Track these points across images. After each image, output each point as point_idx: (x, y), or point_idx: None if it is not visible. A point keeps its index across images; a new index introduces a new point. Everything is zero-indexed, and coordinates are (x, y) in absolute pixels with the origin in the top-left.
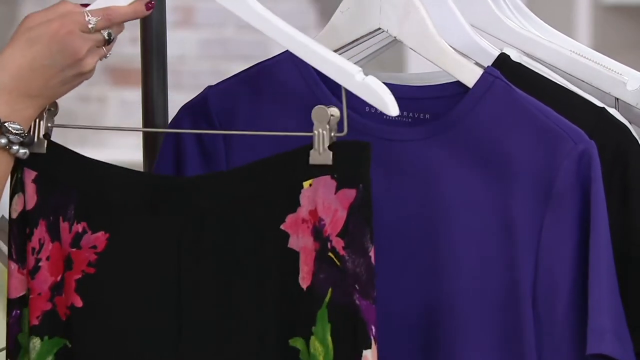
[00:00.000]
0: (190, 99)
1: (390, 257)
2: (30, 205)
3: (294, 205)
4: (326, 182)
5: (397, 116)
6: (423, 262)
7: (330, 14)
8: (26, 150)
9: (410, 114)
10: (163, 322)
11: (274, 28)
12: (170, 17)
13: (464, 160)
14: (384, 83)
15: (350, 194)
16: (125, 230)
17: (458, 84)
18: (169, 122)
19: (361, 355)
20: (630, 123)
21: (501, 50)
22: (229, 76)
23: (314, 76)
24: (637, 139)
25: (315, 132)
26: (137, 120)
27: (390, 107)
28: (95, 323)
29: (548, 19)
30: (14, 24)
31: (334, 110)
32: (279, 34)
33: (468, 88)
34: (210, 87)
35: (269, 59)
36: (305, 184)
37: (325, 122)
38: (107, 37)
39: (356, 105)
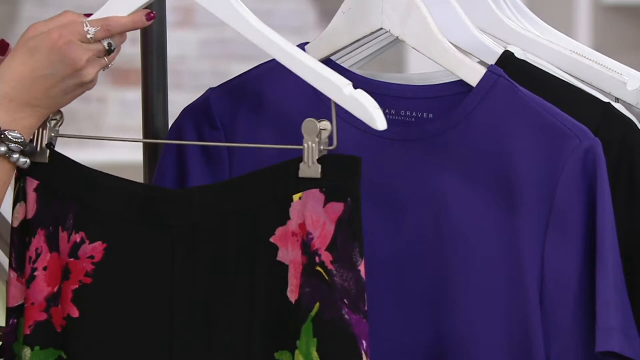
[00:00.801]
0: (190, 100)
1: (392, 257)
2: (31, 214)
3: (284, 218)
4: (315, 196)
5: (400, 116)
6: (426, 261)
7: (330, 14)
8: (27, 160)
9: (413, 114)
10: (156, 333)
11: (264, 39)
12: (170, 17)
13: (467, 159)
14: (386, 82)
15: (338, 207)
16: (121, 241)
17: (461, 83)
18: (171, 123)
19: None
20: None
21: (505, 48)
22: (229, 76)
23: None
24: None
25: (305, 144)
26: (137, 120)
27: (378, 122)
28: (90, 333)
29: (548, 19)
30: (14, 23)
31: (325, 124)
32: (269, 45)
33: (471, 87)
34: (212, 88)
35: (271, 60)
36: (295, 197)
37: (315, 134)
38: (107, 47)
39: None
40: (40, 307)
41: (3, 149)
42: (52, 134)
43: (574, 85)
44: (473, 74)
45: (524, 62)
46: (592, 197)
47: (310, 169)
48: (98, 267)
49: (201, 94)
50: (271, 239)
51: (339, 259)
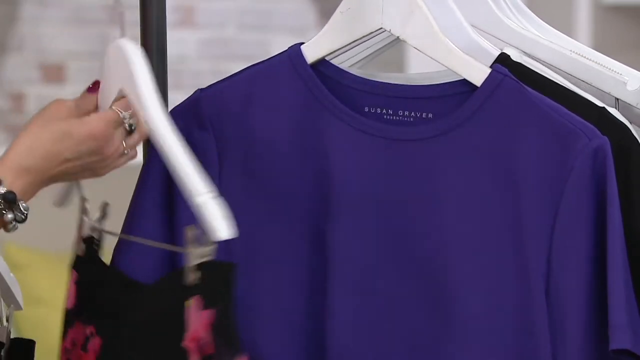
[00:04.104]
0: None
1: (391, 257)
2: (70, 304)
3: (185, 325)
4: (198, 303)
5: (398, 116)
6: (426, 262)
7: (330, 14)
8: (17, 226)
9: (412, 114)
10: None
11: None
12: (170, 17)
13: (472, 159)
14: (383, 82)
15: (211, 314)
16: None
17: (462, 83)
18: None
19: None
20: (631, 123)
21: (501, 50)
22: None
23: (313, 77)
24: (638, 138)
25: (188, 252)
26: None
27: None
28: None
29: (548, 19)
30: (14, 24)
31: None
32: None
33: (473, 87)
34: (201, 89)
35: (265, 60)
36: (187, 303)
37: (195, 242)
38: (128, 129)
39: (356, 105)
40: None
41: (10, 216)
42: (95, 226)
43: (569, 89)
44: (478, 74)
45: (519, 65)
46: (602, 196)
47: (193, 275)
48: None
49: None
50: (182, 344)
51: None
